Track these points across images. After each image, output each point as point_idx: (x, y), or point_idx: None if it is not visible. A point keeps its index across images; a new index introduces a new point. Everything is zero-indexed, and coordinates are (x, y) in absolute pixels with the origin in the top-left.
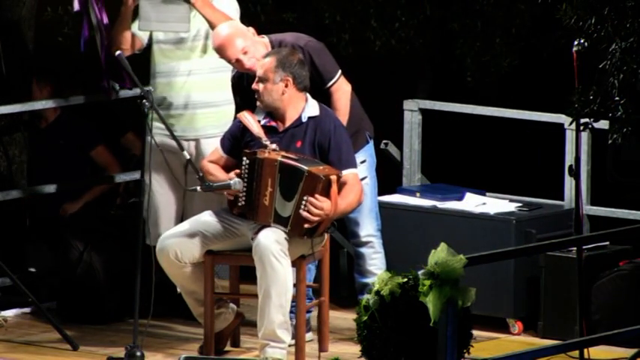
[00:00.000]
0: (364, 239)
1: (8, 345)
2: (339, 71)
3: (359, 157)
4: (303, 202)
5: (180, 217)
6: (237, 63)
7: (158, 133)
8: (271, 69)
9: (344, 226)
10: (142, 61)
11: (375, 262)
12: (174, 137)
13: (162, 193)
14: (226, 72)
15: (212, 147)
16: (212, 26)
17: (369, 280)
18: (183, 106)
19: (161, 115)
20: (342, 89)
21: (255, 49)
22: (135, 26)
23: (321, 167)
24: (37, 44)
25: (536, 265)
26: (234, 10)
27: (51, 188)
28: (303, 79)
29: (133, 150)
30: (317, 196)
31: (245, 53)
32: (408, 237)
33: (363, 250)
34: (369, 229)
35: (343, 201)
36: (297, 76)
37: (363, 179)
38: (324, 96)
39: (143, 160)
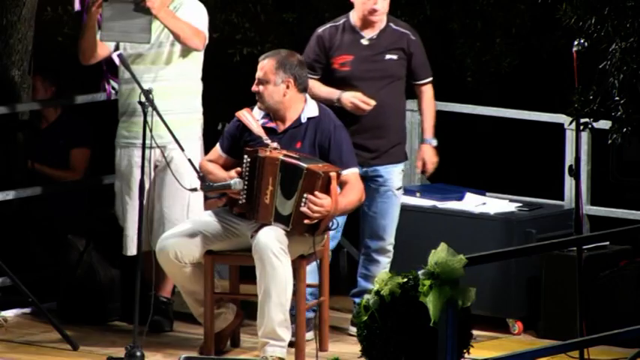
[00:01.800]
0: (388, 247)
1: (8, 345)
2: (431, 77)
3: (399, 166)
4: (304, 200)
5: (152, 224)
6: (369, 14)
7: (123, 143)
8: (272, 70)
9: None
10: None
11: (386, 269)
12: (174, 137)
13: (132, 204)
14: (192, 80)
15: (178, 154)
16: (176, 37)
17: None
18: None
19: (161, 116)
20: (431, 92)
21: (385, 3)
22: (97, 35)
23: (320, 164)
24: (37, 44)
25: (536, 265)
26: (202, 18)
27: (51, 188)
28: (304, 80)
29: None
30: (317, 193)
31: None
32: (408, 237)
33: (382, 258)
34: (392, 237)
35: (344, 199)
36: (298, 77)
37: (399, 189)
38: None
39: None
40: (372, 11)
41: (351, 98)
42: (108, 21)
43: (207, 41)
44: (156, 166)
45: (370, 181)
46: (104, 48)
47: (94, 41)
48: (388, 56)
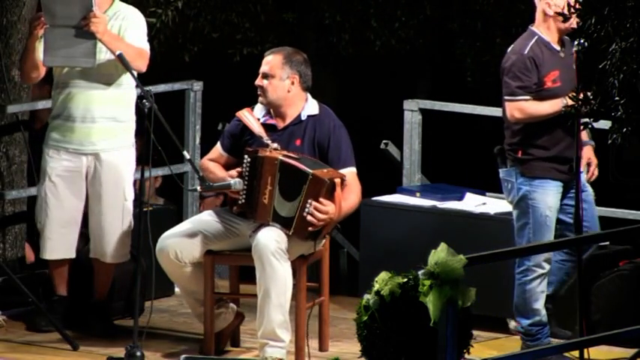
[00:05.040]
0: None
1: (8, 345)
2: None
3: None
4: (308, 206)
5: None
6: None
7: (53, 145)
8: (278, 65)
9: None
10: None
11: None
12: (173, 137)
13: (57, 206)
14: (129, 88)
15: (112, 161)
16: (120, 59)
17: None
18: (82, 119)
19: (163, 120)
20: None
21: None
22: (40, 57)
23: (325, 170)
24: None
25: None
26: (144, 34)
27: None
28: (308, 79)
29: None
30: (322, 200)
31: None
32: (408, 237)
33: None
34: None
35: (346, 203)
36: (303, 74)
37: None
38: None
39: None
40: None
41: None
42: (51, 46)
43: (148, 53)
44: (87, 173)
45: (572, 193)
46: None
47: (36, 62)
48: (574, 66)
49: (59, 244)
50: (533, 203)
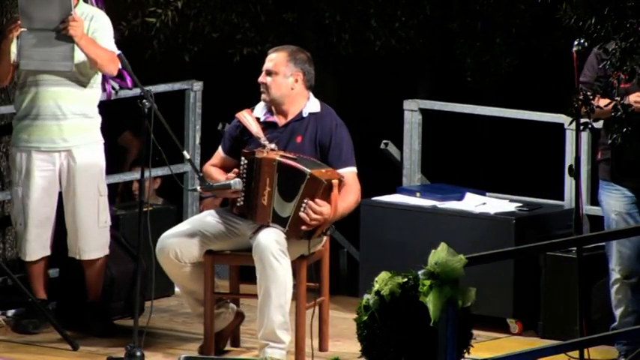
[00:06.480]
0: None
1: (8, 345)
2: None
3: None
4: (303, 205)
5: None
6: None
7: (24, 146)
8: (283, 62)
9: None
10: (142, 61)
11: None
12: (173, 137)
13: (34, 207)
14: (96, 87)
15: (85, 157)
16: (93, 63)
17: None
18: (52, 116)
19: (163, 120)
20: None
21: None
22: (13, 56)
23: (324, 170)
24: None
25: (536, 265)
26: (112, 36)
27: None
28: (311, 77)
29: (130, 149)
30: (317, 200)
31: None
32: (408, 237)
33: None
34: None
35: (343, 203)
36: (307, 72)
37: None
38: None
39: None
40: None
41: (635, 97)
42: (28, 49)
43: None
44: (60, 171)
45: None
46: (13, 65)
47: (9, 66)
48: None
49: (37, 244)
50: (603, 206)
